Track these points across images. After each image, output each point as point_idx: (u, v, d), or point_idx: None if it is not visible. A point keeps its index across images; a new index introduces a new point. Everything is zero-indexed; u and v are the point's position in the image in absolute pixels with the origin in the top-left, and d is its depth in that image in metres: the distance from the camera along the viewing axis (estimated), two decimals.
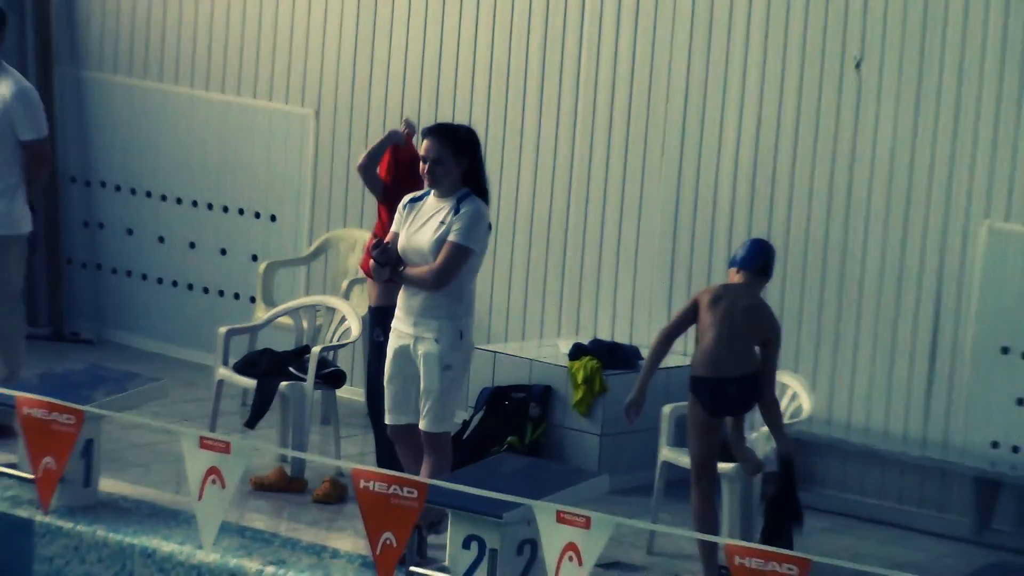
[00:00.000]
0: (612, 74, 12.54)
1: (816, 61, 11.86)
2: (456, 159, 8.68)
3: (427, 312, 8.69)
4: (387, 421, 8.92)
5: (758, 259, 9.11)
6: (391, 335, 8.92)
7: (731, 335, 8.72)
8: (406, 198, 8.89)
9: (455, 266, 8.55)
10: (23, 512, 9.46)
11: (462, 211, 8.59)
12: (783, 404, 9.42)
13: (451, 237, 8.50)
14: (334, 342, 10.68)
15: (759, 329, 8.80)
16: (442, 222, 8.58)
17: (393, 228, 8.85)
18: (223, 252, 12.93)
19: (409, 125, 9.83)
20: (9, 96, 10.53)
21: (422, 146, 8.74)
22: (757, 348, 8.76)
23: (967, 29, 11.58)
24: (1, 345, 10.60)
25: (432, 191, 8.58)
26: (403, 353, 8.74)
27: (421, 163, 8.69)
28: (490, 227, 9.02)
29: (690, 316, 8.83)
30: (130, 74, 13.47)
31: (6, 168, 10.49)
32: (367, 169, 9.47)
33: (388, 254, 8.67)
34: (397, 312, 8.84)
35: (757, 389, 8.67)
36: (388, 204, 9.20)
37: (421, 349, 8.63)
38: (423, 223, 8.66)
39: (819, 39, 11.77)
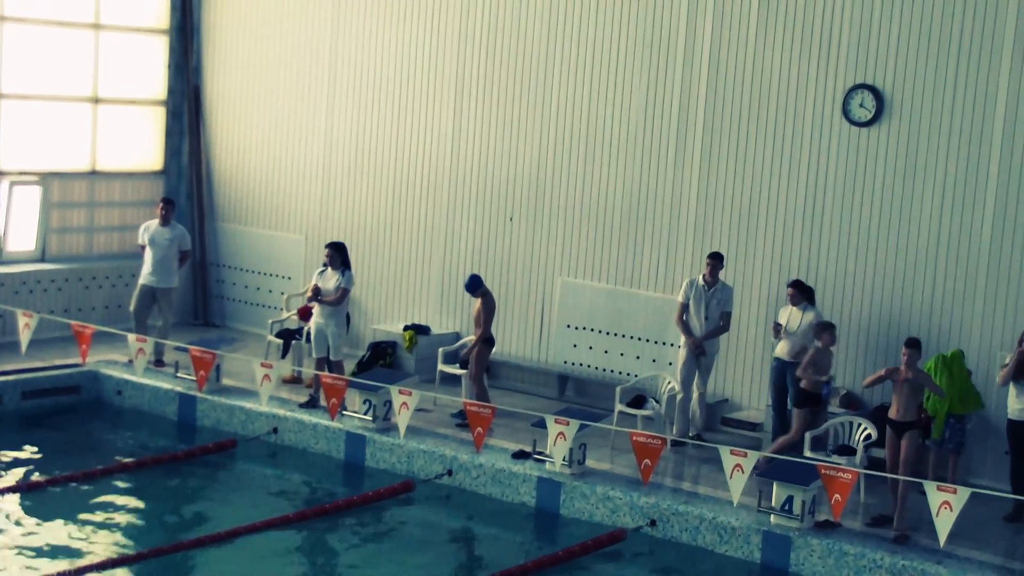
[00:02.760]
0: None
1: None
2: (341, 257, 16.20)
3: (330, 313, 16.17)
4: (315, 355, 16.22)
5: (472, 282, 16.04)
6: (312, 321, 16.18)
7: (483, 317, 15.83)
8: (317, 269, 16.25)
9: (343, 297, 16.12)
10: (191, 392, 16.54)
11: (345, 274, 16.15)
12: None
13: (342, 284, 16.12)
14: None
15: (490, 311, 15.96)
16: (337, 279, 16.16)
17: (313, 282, 16.12)
18: (269, 291, 20.20)
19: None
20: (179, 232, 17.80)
21: (325, 251, 16.12)
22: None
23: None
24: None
25: (330, 267, 16.14)
26: (320, 329, 16.19)
27: (325, 255, 16.05)
28: (353, 280, 16.20)
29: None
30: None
31: (174, 262, 17.89)
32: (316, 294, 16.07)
33: (317, 292, 16.13)
34: (315, 314, 16.09)
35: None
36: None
37: (328, 328, 16.22)
38: (329, 279, 16.18)
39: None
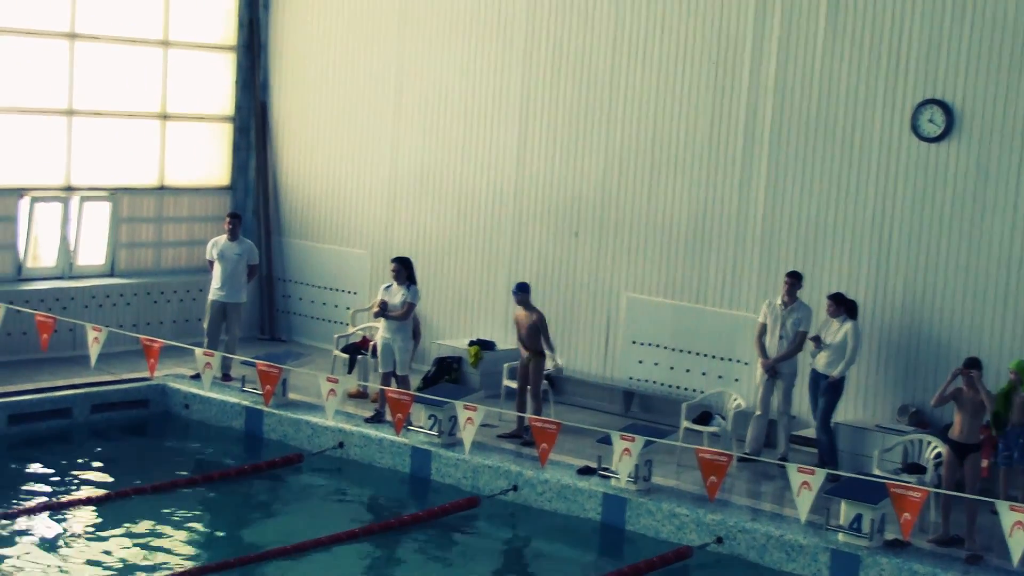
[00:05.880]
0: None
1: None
2: (408, 272, 16.36)
3: (397, 327, 16.30)
4: (381, 370, 16.26)
5: (523, 288, 16.05)
6: (379, 336, 16.22)
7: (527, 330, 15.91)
8: (383, 284, 16.30)
9: (409, 311, 16.38)
10: (258, 406, 16.69)
11: (411, 289, 16.41)
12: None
13: (408, 299, 16.26)
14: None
15: (539, 323, 15.81)
16: (403, 293, 16.30)
17: (380, 297, 16.12)
18: (335, 306, 20.42)
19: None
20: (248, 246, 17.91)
21: (391, 266, 16.13)
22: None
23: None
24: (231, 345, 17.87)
25: (396, 282, 16.27)
26: (387, 344, 16.44)
27: (391, 269, 16.04)
28: (419, 295, 16.34)
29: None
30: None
31: (243, 276, 17.99)
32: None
33: (384, 307, 16.35)
34: (381, 328, 16.10)
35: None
36: None
37: (394, 343, 16.32)
38: (395, 294, 16.27)
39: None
